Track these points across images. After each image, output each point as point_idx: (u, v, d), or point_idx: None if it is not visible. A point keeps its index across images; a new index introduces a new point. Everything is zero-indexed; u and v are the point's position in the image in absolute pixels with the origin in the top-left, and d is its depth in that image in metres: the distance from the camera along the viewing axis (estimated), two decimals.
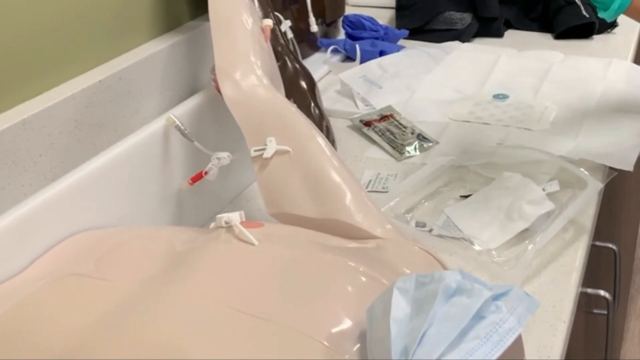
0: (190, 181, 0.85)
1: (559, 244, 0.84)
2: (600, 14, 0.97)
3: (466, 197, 0.93)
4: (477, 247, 0.83)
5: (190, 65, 0.99)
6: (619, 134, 1.06)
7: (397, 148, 1.07)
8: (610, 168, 0.97)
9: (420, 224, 0.87)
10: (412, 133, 1.10)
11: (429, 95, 1.23)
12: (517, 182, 0.90)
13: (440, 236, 0.85)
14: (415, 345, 0.49)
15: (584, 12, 1.43)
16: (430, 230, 0.86)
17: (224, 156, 0.84)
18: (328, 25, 1.46)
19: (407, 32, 1.46)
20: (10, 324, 0.60)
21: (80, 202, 0.74)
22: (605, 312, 1.04)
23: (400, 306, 0.52)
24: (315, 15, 1.30)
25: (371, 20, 1.44)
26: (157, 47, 0.94)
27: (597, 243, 1.00)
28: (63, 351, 0.56)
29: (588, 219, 0.89)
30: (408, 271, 0.67)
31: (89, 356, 0.55)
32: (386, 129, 1.11)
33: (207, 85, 0.96)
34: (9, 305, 0.62)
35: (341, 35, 1.49)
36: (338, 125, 1.14)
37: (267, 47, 0.89)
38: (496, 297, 0.52)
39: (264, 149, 0.78)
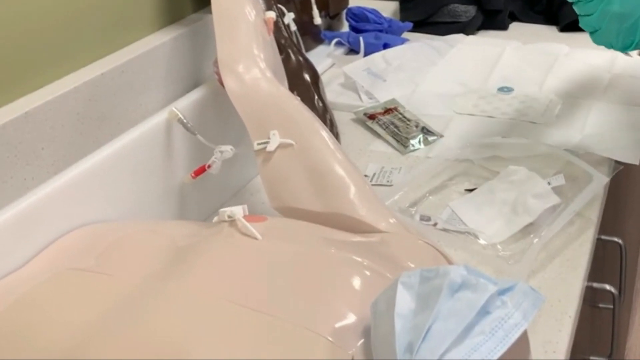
0: (192, 175, 0.84)
1: (564, 238, 0.84)
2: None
3: (471, 190, 0.92)
4: (482, 242, 0.83)
5: (193, 58, 0.99)
6: (624, 127, 1.05)
7: (401, 141, 1.07)
8: (616, 162, 0.97)
9: (424, 218, 0.87)
10: (417, 126, 1.09)
11: (433, 89, 1.22)
12: (522, 175, 0.90)
13: (444, 230, 0.85)
14: (420, 340, 0.48)
15: None
16: (435, 224, 0.86)
17: (227, 149, 0.83)
18: (331, 17, 1.45)
19: (411, 24, 1.45)
20: (11, 319, 0.60)
21: (82, 196, 0.74)
22: (611, 306, 1.04)
23: (404, 301, 0.52)
24: (318, 8, 1.29)
25: (375, 12, 1.44)
26: (160, 40, 0.93)
27: (603, 237, 1.00)
28: (65, 347, 0.55)
29: (594, 212, 0.88)
30: (412, 265, 0.67)
31: (90, 352, 0.54)
32: (390, 122, 1.11)
33: (209, 78, 0.95)
34: (10, 301, 0.62)
35: (345, 27, 1.48)
36: (342, 119, 1.14)
37: (270, 39, 0.88)
38: (501, 292, 0.51)
39: (267, 143, 0.77)
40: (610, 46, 0.88)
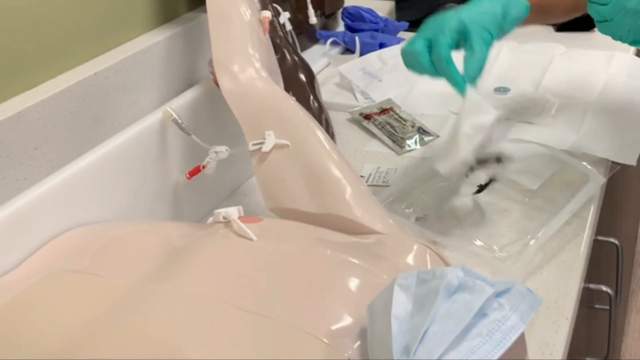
0: (187, 175, 0.84)
1: (561, 239, 0.83)
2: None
3: (480, 191, 0.90)
4: (478, 243, 0.82)
5: (187, 58, 0.98)
6: (621, 127, 1.05)
7: (397, 141, 1.06)
8: (613, 162, 0.97)
9: (420, 219, 0.86)
10: (413, 126, 1.09)
11: (429, 88, 1.22)
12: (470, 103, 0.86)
13: (440, 231, 0.84)
14: (417, 343, 0.48)
15: None
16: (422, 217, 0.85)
17: (222, 150, 0.83)
18: (327, 17, 1.44)
19: (407, 24, 1.45)
20: (4, 321, 0.59)
21: (76, 197, 0.73)
22: (608, 307, 1.03)
23: (401, 303, 0.51)
24: (314, 7, 1.29)
25: (371, 12, 1.43)
26: (154, 39, 0.93)
27: (599, 238, 1.00)
28: (58, 349, 0.55)
29: (590, 213, 0.88)
30: (409, 267, 0.66)
31: (84, 353, 0.54)
32: (386, 122, 1.10)
33: (204, 78, 0.94)
34: (3, 302, 0.61)
35: (340, 27, 1.48)
36: (337, 119, 1.13)
37: (266, 39, 0.88)
38: (498, 294, 0.51)
39: (262, 143, 0.77)
40: (617, 38, 0.87)
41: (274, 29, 1.01)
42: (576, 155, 0.95)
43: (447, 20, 0.85)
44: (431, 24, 0.86)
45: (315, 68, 1.12)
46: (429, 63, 0.84)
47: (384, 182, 0.97)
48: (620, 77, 1.21)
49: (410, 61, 0.86)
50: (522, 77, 1.23)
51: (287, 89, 0.90)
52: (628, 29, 0.84)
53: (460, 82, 0.82)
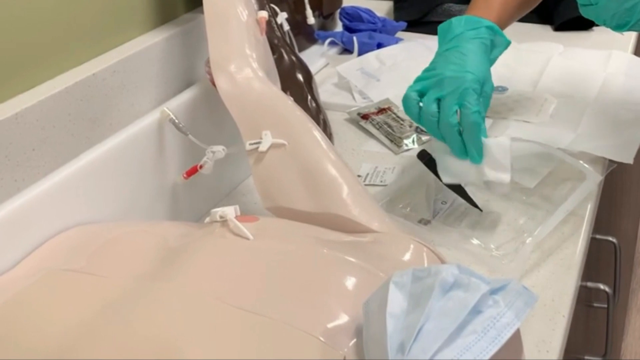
0: (185, 175, 0.84)
1: (558, 237, 0.83)
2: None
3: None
4: (475, 241, 0.82)
5: (185, 58, 0.98)
6: (618, 126, 1.05)
7: (394, 141, 1.06)
8: (610, 160, 0.97)
9: (417, 218, 0.87)
10: (410, 126, 1.09)
11: None
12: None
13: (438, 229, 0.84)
14: (412, 340, 0.48)
15: None
16: (428, 223, 0.85)
17: (219, 150, 0.83)
18: (325, 17, 1.44)
19: (405, 24, 1.45)
20: (1, 321, 0.59)
21: (74, 197, 0.73)
22: (606, 305, 1.04)
23: (396, 301, 0.51)
24: (312, 7, 1.29)
25: (369, 12, 1.43)
26: (152, 40, 0.93)
27: (597, 236, 1.00)
28: (55, 348, 0.55)
29: (587, 211, 0.88)
30: (406, 265, 0.66)
31: (82, 353, 0.54)
32: (384, 122, 1.10)
33: (202, 79, 0.95)
34: (0, 302, 0.61)
35: (338, 27, 1.48)
36: (335, 119, 1.14)
37: (263, 39, 0.88)
38: (494, 291, 0.51)
39: (259, 143, 0.77)
40: (601, 22, 0.87)
41: (271, 29, 1.01)
42: (573, 154, 0.95)
43: (467, 81, 0.87)
44: (448, 84, 0.86)
45: (313, 68, 1.12)
46: (436, 125, 0.85)
47: (381, 181, 0.97)
48: (618, 76, 1.21)
49: (414, 114, 0.87)
50: (520, 76, 1.23)
51: (285, 89, 0.90)
52: (612, 13, 0.83)
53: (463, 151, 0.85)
